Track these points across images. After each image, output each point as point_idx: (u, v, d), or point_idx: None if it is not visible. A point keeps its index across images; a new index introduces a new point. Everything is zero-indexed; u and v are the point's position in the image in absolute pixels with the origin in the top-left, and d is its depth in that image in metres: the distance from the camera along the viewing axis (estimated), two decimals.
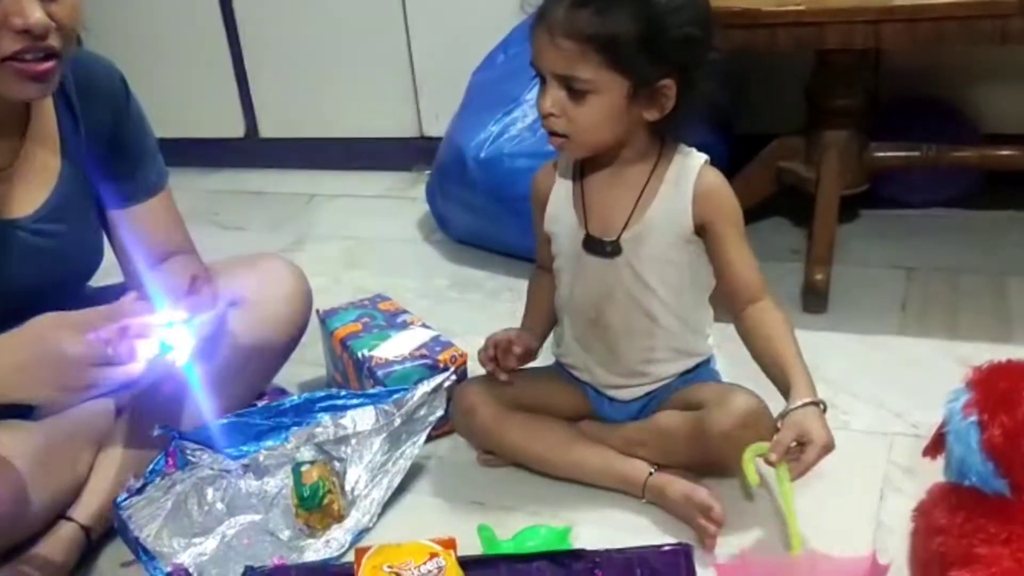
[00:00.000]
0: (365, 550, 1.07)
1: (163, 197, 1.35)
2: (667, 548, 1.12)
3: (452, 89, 2.16)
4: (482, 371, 1.34)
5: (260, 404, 1.38)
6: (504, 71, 2.02)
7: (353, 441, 1.33)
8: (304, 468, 1.25)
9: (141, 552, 1.16)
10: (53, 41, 1.06)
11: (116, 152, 1.29)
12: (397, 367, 1.39)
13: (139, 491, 1.20)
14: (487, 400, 1.31)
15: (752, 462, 1.11)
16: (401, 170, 2.57)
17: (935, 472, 1.05)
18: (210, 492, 1.27)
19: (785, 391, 1.13)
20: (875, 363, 1.51)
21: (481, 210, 1.96)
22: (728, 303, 1.22)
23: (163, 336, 1.05)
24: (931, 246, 1.87)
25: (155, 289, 1.11)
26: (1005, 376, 0.99)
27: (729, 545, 1.15)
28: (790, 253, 1.86)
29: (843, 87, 1.82)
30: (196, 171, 2.71)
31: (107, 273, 1.39)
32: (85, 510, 1.23)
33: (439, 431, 1.38)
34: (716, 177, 1.19)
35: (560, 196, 1.26)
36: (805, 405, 1.09)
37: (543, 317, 1.35)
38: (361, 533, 1.25)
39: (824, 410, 1.11)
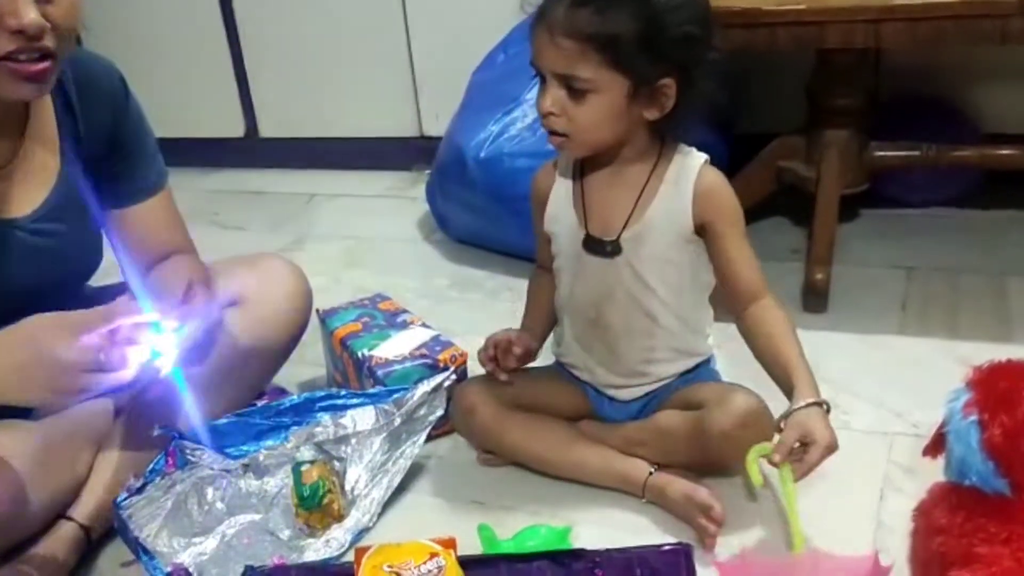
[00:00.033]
0: (365, 550, 1.07)
1: (163, 197, 1.35)
2: (667, 548, 1.12)
3: (452, 89, 2.16)
4: (482, 371, 1.34)
5: (260, 404, 1.38)
6: (504, 71, 2.02)
7: (353, 441, 1.33)
8: (304, 468, 1.25)
9: (141, 552, 1.16)
10: (48, 42, 1.06)
11: (115, 152, 1.29)
12: (397, 367, 1.39)
13: (139, 491, 1.20)
14: (487, 400, 1.31)
15: (756, 463, 1.11)
16: (401, 170, 2.57)
17: (935, 472, 1.05)
18: (210, 492, 1.27)
19: (788, 391, 1.13)
20: (875, 363, 1.51)
21: (481, 210, 1.96)
22: (730, 302, 1.22)
23: (153, 342, 1.05)
24: (931, 246, 1.87)
25: (148, 294, 1.11)
26: (1005, 376, 0.98)
27: (729, 545, 1.15)
28: (790, 253, 1.86)
29: (843, 86, 1.81)
30: (196, 171, 2.71)
31: (107, 273, 1.39)
32: (85, 510, 1.23)
33: (439, 431, 1.38)
34: (716, 176, 1.19)
35: (560, 196, 1.26)
36: (808, 405, 1.09)
37: (543, 317, 1.35)
38: (361, 533, 1.25)
39: (828, 410, 1.11)
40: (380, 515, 1.28)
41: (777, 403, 1.19)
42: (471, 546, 1.14)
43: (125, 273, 1.36)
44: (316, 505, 1.23)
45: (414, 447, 1.31)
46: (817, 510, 1.15)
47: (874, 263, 1.83)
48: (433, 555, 1.04)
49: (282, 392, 1.52)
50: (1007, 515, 0.96)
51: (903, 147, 1.85)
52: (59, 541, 1.20)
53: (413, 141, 2.56)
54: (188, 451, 1.26)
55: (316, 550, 1.23)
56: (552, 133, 1.15)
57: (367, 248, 2.19)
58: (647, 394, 1.29)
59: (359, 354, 1.42)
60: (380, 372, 1.38)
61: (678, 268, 1.22)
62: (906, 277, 1.77)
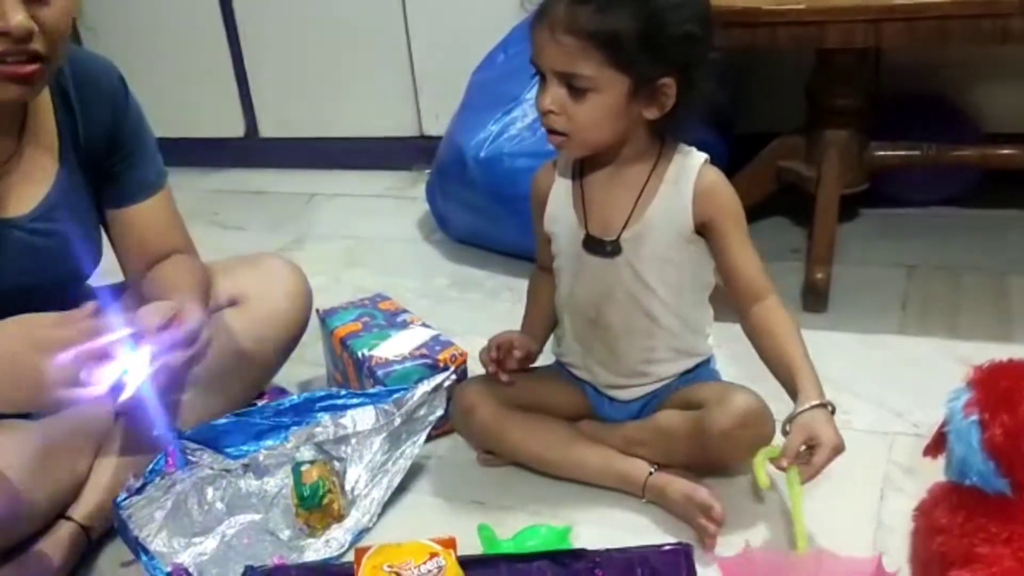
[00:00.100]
0: (365, 550, 1.07)
1: (162, 197, 1.35)
2: (667, 548, 1.11)
3: (452, 88, 2.16)
4: (482, 371, 1.34)
5: (260, 403, 1.37)
6: (504, 70, 2.02)
7: (353, 441, 1.33)
8: (304, 468, 1.25)
9: (141, 552, 1.16)
10: (37, 45, 1.06)
11: (115, 151, 1.29)
12: (397, 366, 1.39)
13: (139, 491, 1.19)
14: (487, 400, 1.31)
15: (763, 465, 1.11)
16: (401, 169, 2.57)
17: (936, 471, 1.05)
18: (210, 492, 1.27)
19: (792, 393, 1.13)
20: (876, 362, 1.51)
21: (481, 209, 1.96)
22: (733, 302, 1.22)
23: (125, 361, 1.05)
24: (932, 245, 1.87)
25: (129, 318, 1.10)
26: (1006, 375, 0.98)
27: (729, 544, 1.14)
28: (790, 252, 1.86)
29: (843, 86, 1.81)
30: (196, 171, 2.71)
31: (107, 273, 1.39)
32: (85, 509, 1.23)
33: (439, 431, 1.38)
34: (716, 176, 1.19)
35: (560, 196, 1.25)
36: (813, 407, 1.09)
37: (543, 318, 1.35)
38: (361, 533, 1.25)
39: (832, 412, 1.11)
40: (380, 515, 1.28)
41: (777, 403, 1.19)
42: (471, 546, 1.14)
43: (126, 271, 1.37)
44: (316, 505, 1.23)
45: (414, 447, 1.31)
46: (818, 510, 1.15)
47: (874, 262, 1.83)
48: (433, 555, 1.04)
49: (282, 392, 1.52)
50: (1008, 515, 0.96)
51: (903, 147, 1.85)
52: (59, 541, 1.20)
53: (413, 141, 2.57)
54: (188, 451, 1.26)
55: (316, 550, 1.23)
56: (552, 132, 1.15)
57: (367, 248, 2.19)
58: (647, 394, 1.29)
59: (359, 354, 1.42)
60: (380, 372, 1.38)
61: (678, 268, 1.21)
62: (906, 277, 1.77)
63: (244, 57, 2.67)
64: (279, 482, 1.30)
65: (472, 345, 1.42)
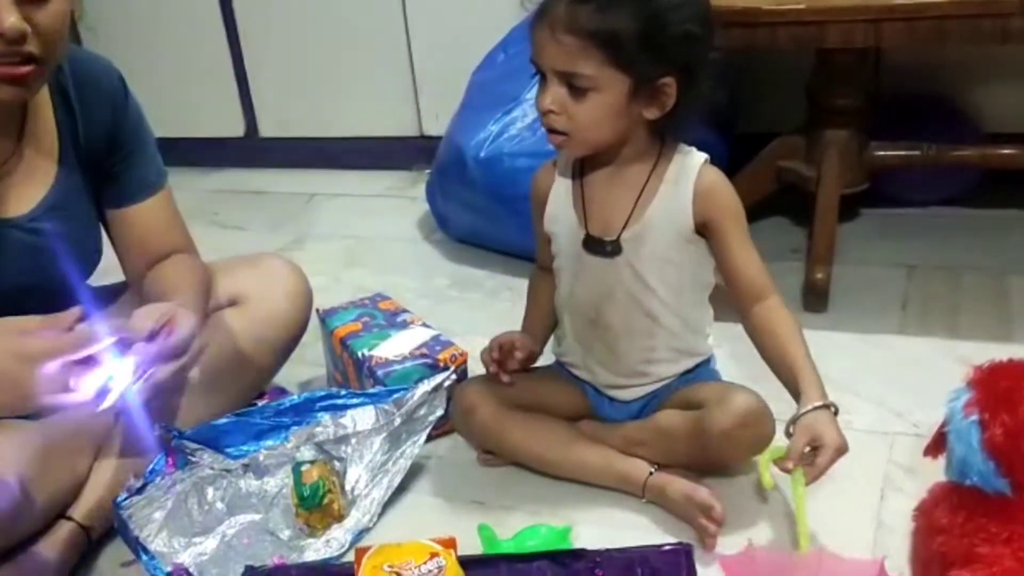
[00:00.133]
0: (365, 550, 1.07)
1: (162, 196, 1.35)
2: (667, 547, 1.11)
3: (452, 88, 2.16)
4: (482, 370, 1.34)
5: (260, 403, 1.37)
6: (504, 70, 2.02)
7: (353, 440, 1.33)
8: (304, 468, 1.25)
9: (141, 552, 1.16)
10: (31, 47, 1.06)
11: (115, 151, 1.29)
12: (397, 366, 1.39)
13: (139, 491, 1.20)
14: (487, 400, 1.31)
15: (768, 465, 1.11)
16: (401, 169, 2.57)
17: (936, 471, 1.05)
18: (210, 492, 1.27)
19: (795, 393, 1.13)
20: (876, 362, 1.51)
21: (481, 209, 1.96)
22: (734, 302, 1.22)
23: (111, 369, 1.05)
24: (932, 245, 1.87)
25: (119, 322, 1.10)
26: (1006, 375, 0.99)
27: (729, 544, 1.15)
28: (790, 252, 1.86)
29: (843, 86, 1.81)
30: (196, 171, 2.71)
31: (107, 273, 1.39)
32: (85, 510, 1.23)
33: (439, 431, 1.38)
34: (717, 175, 1.19)
35: (560, 196, 1.25)
36: (816, 409, 1.09)
37: (543, 318, 1.35)
38: (361, 533, 1.25)
39: (836, 413, 1.11)
40: (380, 515, 1.28)
41: (777, 403, 1.19)
42: (471, 546, 1.14)
43: (127, 271, 1.37)
44: (316, 505, 1.23)
45: (414, 447, 1.31)
46: (818, 510, 1.15)
47: (874, 262, 1.83)
48: (433, 555, 1.04)
49: (282, 392, 1.52)
50: (1008, 515, 0.96)
51: (903, 147, 1.85)
52: (59, 541, 1.20)
53: (413, 141, 2.56)
54: (188, 451, 1.26)
55: (316, 550, 1.23)
56: (552, 131, 1.15)
57: (367, 248, 2.19)
58: (647, 394, 1.29)
59: (359, 354, 1.42)
60: (380, 372, 1.38)
61: (678, 268, 1.21)
62: (906, 276, 1.77)
63: (244, 57, 2.66)
64: (279, 482, 1.30)
65: (472, 345, 1.42)
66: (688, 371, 1.28)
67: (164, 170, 1.36)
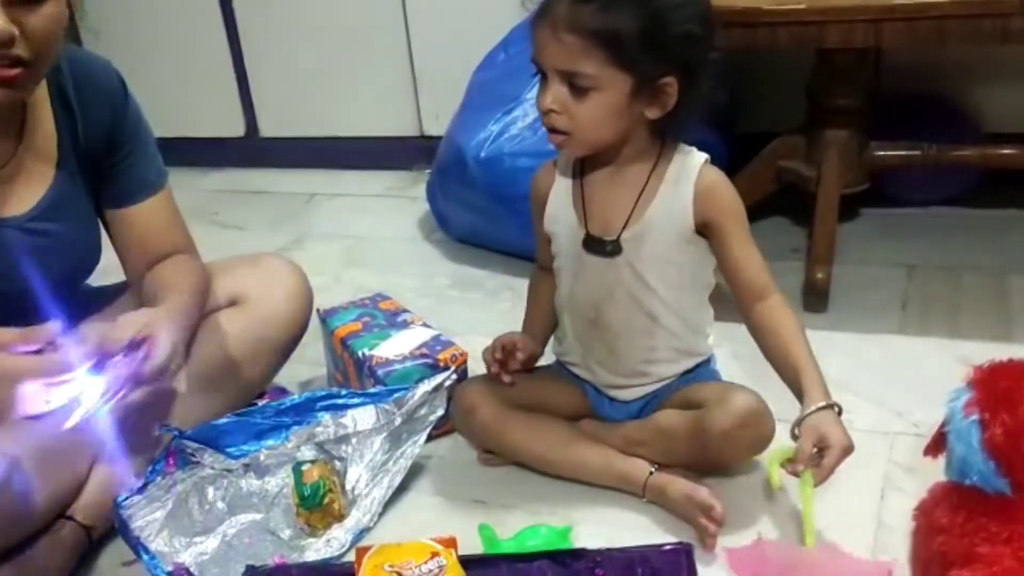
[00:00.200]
0: (366, 549, 1.07)
1: (162, 197, 1.35)
2: (668, 547, 1.12)
3: (452, 88, 2.16)
4: (482, 370, 1.34)
5: (261, 403, 1.37)
6: (504, 70, 2.02)
7: (354, 440, 1.33)
8: (305, 467, 1.25)
9: (142, 551, 1.16)
10: (19, 50, 1.07)
11: (114, 151, 1.29)
12: (397, 366, 1.39)
13: (140, 490, 1.20)
14: (487, 399, 1.31)
15: (776, 467, 1.11)
16: (401, 169, 2.57)
17: (936, 471, 1.05)
18: (211, 491, 1.27)
19: (798, 393, 1.14)
20: (876, 362, 1.51)
21: (481, 209, 1.96)
22: (736, 301, 1.22)
23: (81, 387, 1.06)
24: (932, 245, 1.87)
25: (97, 336, 1.11)
26: (1006, 375, 0.99)
27: (730, 544, 1.15)
28: (791, 252, 1.86)
29: (844, 86, 1.81)
30: (196, 170, 2.71)
31: (107, 273, 1.39)
32: (86, 509, 1.23)
33: (440, 430, 1.38)
34: (717, 175, 1.19)
35: (560, 195, 1.26)
36: (820, 409, 1.09)
37: (544, 318, 1.35)
38: (362, 532, 1.25)
39: (839, 412, 1.11)
40: (381, 515, 1.28)
41: (777, 403, 1.19)
42: (472, 546, 1.14)
43: (127, 271, 1.37)
44: (317, 505, 1.23)
45: (415, 447, 1.31)
46: (819, 509, 1.14)
47: (875, 262, 1.83)
48: (434, 555, 1.04)
49: (283, 392, 1.52)
50: (1008, 515, 0.96)
51: (903, 146, 1.85)
52: (60, 541, 1.20)
53: (413, 141, 2.56)
54: (189, 450, 1.26)
55: (317, 550, 1.23)
56: (553, 131, 1.15)
57: (367, 248, 2.19)
58: (647, 394, 1.29)
59: (360, 354, 1.42)
60: (380, 372, 1.38)
61: (679, 268, 1.21)
62: (907, 276, 1.77)
63: (244, 57, 2.66)
64: (280, 482, 1.30)
65: (473, 345, 1.42)
66: (688, 371, 1.28)
67: (164, 170, 1.36)
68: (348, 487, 1.30)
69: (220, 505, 1.26)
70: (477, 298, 1.89)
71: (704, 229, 1.19)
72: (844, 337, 1.58)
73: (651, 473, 1.24)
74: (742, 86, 2.05)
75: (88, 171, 1.28)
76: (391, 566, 1.02)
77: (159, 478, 1.22)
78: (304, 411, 1.34)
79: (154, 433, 1.24)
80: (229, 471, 1.29)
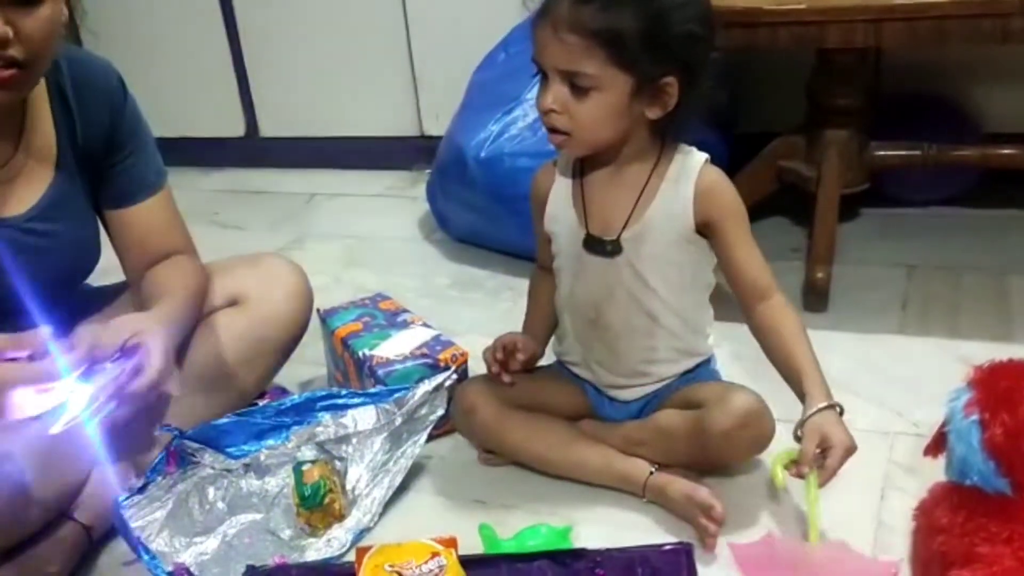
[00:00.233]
0: (366, 549, 1.07)
1: (162, 197, 1.35)
2: (668, 547, 1.12)
3: (452, 88, 2.16)
4: (482, 370, 1.34)
5: (261, 403, 1.37)
6: (505, 70, 2.02)
7: (354, 440, 1.33)
8: (305, 467, 1.25)
9: (142, 551, 1.16)
10: (14, 52, 1.07)
11: (113, 151, 1.29)
12: (398, 366, 1.39)
13: (140, 490, 1.20)
14: (488, 399, 1.31)
15: (780, 468, 1.11)
16: (401, 169, 2.57)
17: (936, 471, 1.05)
18: (211, 491, 1.27)
19: (799, 393, 1.14)
20: (876, 362, 1.51)
21: (482, 209, 1.96)
22: (738, 301, 1.22)
23: (68, 394, 1.06)
24: (932, 245, 1.87)
25: (93, 342, 1.10)
26: (1006, 375, 0.99)
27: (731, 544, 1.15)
28: (791, 252, 1.86)
29: (844, 86, 1.81)
30: (196, 170, 2.71)
31: (107, 273, 1.39)
32: (86, 509, 1.23)
33: (440, 430, 1.38)
34: (717, 175, 1.19)
35: (560, 195, 1.26)
36: (822, 410, 1.10)
37: (544, 318, 1.35)
38: (362, 532, 1.25)
39: (841, 413, 1.11)
40: (381, 515, 1.28)
41: (777, 403, 1.19)
42: (472, 545, 1.14)
43: (127, 271, 1.37)
44: (317, 505, 1.24)
45: (415, 447, 1.31)
46: (820, 509, 1.15)
47: (875, 262, 1.83)
48: (434, 555, 1.04)
49: (283, 392, 1.52)
50: (1008, 514, 0.96)
51: (904, 146, 1.85)
52: (61, 540, 1.20)
53: (413, 140, 2.57)
54: (189, 451, 1.26)
55: (317, 550, 1.23)
56: (553, 131, 1.15)
57: (367, 247, 2.19)
58: (648, 394, 1.29)
59: (360, 354, 1.42)
60: (381, 372, 1.38)
61: (679, 268, 1.21)
62: (907, 276, 1.77)
63: (244, 56, 2.67)
64: (280, 482, 1.30)
65: (473, 345, 1.42)
66: (688, 371, 1.28)
67: (164, 170, 1.36)
68: (348, 487, 1.30)
69: (220, 505, 1.26)
70: (477, 298, 1.89)
71: (705, 229, 1.19)
72: (844, 337, 1.58)
73: (651, 473, 1.24)
74: (742, 86, 2.05)
75: (87, 171, 1.28)
76: (391, 566, 1.02)
77: (159, 478, 1.22)
78: (304, 411, 1.34)
79: (154, 434, 1.24)
80: (229, 471, 1.29)
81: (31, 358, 1.07)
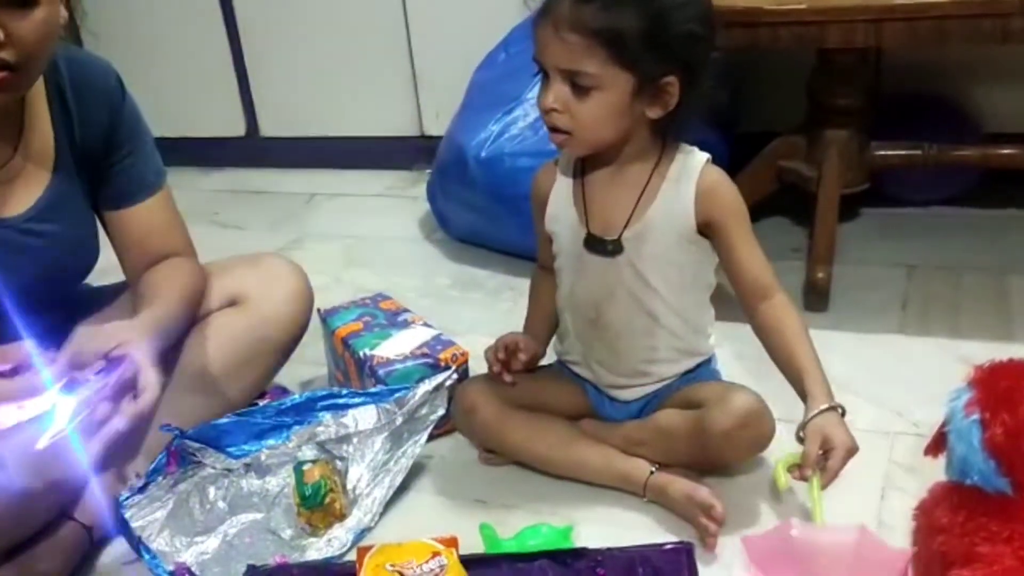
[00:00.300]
0: (367, 549, 1.07)
1: (161, 197, 1.35)
2: (669, 547, 1.12)
3: (453, 88, 2.16)
4: (483, 370, 1.34)
5: (262, 403, 1.37)
6: (505, 70, 2.02)
7: (355, 440, 1.33)
8: (306, 467, 1.25)
9: (143, 551, 1.17)
10: (6, 55, 1.07)
11: (112, 152, 1.29)
12: (398, 366, 1.39)
13: (141, 490, 1.20)
14: (488, 399, 1.31)
15: (783, 471, 1.11)
16: (402, 169, 2.57)
17: (937, 471, 1.05)
18: (212, 491, 1.27)
19: (801, 394, 1.14)
20: (876, 362, 1.51)
21: (482, 209, 1.96)
22: (740, 300, 1.22)
23: (50, 407, 1.05)
24: (932, 244, 1.87)
25: (75, 353, 1.09)
26: (1007, 375, 0.98)
27: (730, 543, 1.15)
28: (791, 252, 1.86)
29: (844, 86, 1.81)
30: (196, 170, 2.71)
31: (107, 272, 1.39)
32: (87, 509, 1.23)
33: (440, 430, 1.38)
34: (719, 175, 1.19)
35: (561, 195, 1.26)
36: (823, 411, 1.10)
37: (546, 318, 1.35)
38: (363, 532, 1.26)
39: (843, 414, 1.11)
40: (382, 514, 1.28)
41: (777, 403, 1.19)
42: (473, 545, 1.14)
43: (126, 271, 1.37)
44: (318, 504, 1.24)
45: (416, 446, 1.31)
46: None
47: (875, 262, 1.83)
48: (435, 554, 1.04)
49: (284, 391, 1.52)
50: (1008, 514, 0.96)
51: (904, 146, 1.85)
52: (61, 540, 1.20)
53: (414, 140, 2.57)
54: (190, 451, 1.26)
55: (318, 549, 1.23)
56: (554, 130, 1.15)
57: (368, 247, 2.19)
58: (648, 394, 1.29)
59: (360, 353, 1.42)
60: (381, 371, 1.38)
61: (680, 268, 1.21)
62: (907, 276, 1.77)
63: (245, 56, 2.67)
64: (281, 481, 1.30)
65: (473, 344, 1.42)
66: (689, 371, 1.28)
67: (163, 170, 1.36)
68: (349, 487, 1.30)
69: (221, 505, 1.26)
70: (478, 298, 1.89)
71: (706, 229, 1.19)
72: (844, 337, 1.58)
73: (652, 473, 1.24)
74: (743, 86, 2.05)
75: (86, 172, 1.28)
76: (392, 566, 1.02)
77: (160, 478, 1.22)
78: (305, 411, 1.34)
79: (140, 441, 1.23)
80: (230, 471, 1.29)
81: (14, 371, 1.06)
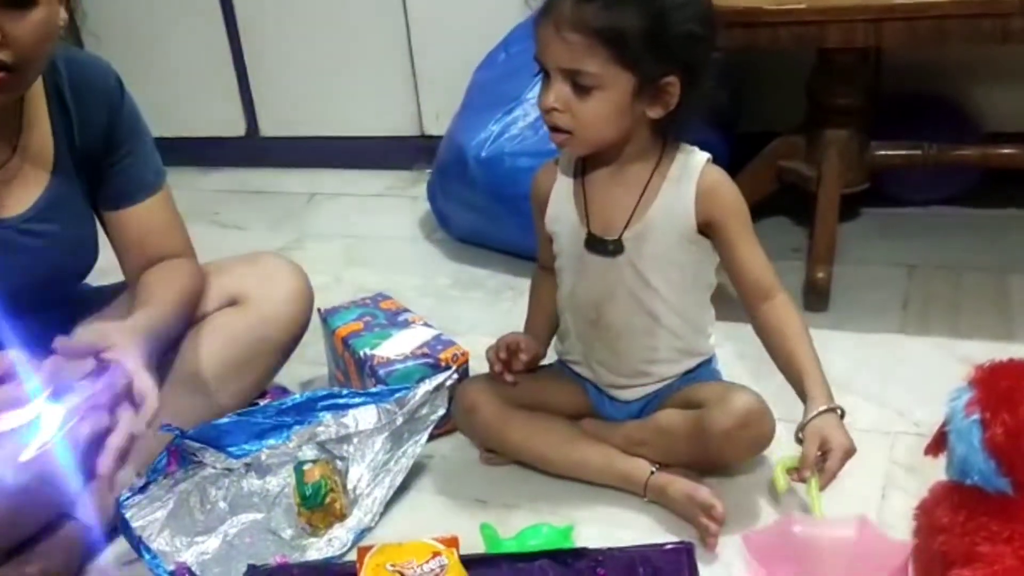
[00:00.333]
0: (367, 549, 1.07)
1: (161, 197, 1.35)
2: (669, 546, 1.12)
3: (453, 88, 2.16)
4: (484, 370, 1.34)
5: (262, 403, 1.37)
6: (505, 70, 2.02)
7: (355, 440, 1.33)
8: (306, 467, 1.25)
9: (143, 551, 1.17)
10: (4, 56, 1.07)
11: (111, 152, 1.29)
12: (399, 366, 1.39)
13: (141, 490, 1.20)
14: (489, 399, 1.31)
15: (782, 473, 1.12)
16: (402, 169, 2.57)
17: (937, 471, 1.05)
18: (212, 491, 1.27)
19: (801, 394, 1.14)
20: (876, 361, 1.51)
21: (482, 209, 1.96)
22: (742, 300, 1.22)
23: (36, 415, 1.02)
24: (933, 244, 1.87)
25: (57, 363, 1.05)
26: (1007, 375, 0.98)
27: (731, 543, 1.15)
28: (791, 252, 1.86)
29: (844, 85, 1.81)
30: (196, 170, 2.71)
31: (107, 272, 1.39)
32: (87, 509, 1.22)
33: (441, 430, 1.38)
34: (719, 174, 1.19)
35: (561, 195, 1.26)
36: (822, 413, 1.10)
37: (546, 319, 1.35)
38: (363, 532, 1.26)
39: (842, 415, 1.11)
40: (382, 514, 1.28)
41: (777, 403, 1.19)
42: (473, 545, 1.14)
43: (126, 271, 1.37)
44: (318, 504, 1.24)
45: (416, 446, 1.31)
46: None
47: (875, 262, 1.83)
48: (435, 554, 1.04)
49: (284, 391, 1.52)
50: (1009, 514, 0.96)
51: (904, 146, 1.85)
52: (60, 540, 1.20)
53: (414, 140, 2.56)
54: (190, 450, 1.26)
55: (318, 549, 1.23)
56: (554, 130, 1.15)
57: (368, 247, 2.19)
58: (649, 394, 1.29)
59: (361, 353, 1.42)
60: (382, 371, 1.38)
61: (680, 268, 1.22)
62: (907, 276, 1.77)
63: (244, 56, 2.66)
64: (281, 481, 1.30)
65: (474, 344, 1.42)
66: (689, 371, 1.28)
67: (163, 170, 1.36)
68: (350, 487, 1.30)
69: (221, 505, 1.27)
70: (478, 298, 1.89)
71: (707, 229, 1.19)
72: (845, 337, 1.58)
73: (652, 473, 1.24)
74: (743, 86, 2.05)
75: (85, 172, 1.28)
76: (393, 565, 1.02)
77: (160, 478, 1.22)
78: (305, 411, 1.34)
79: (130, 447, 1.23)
80: (230, 471, 1.29)
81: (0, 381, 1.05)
